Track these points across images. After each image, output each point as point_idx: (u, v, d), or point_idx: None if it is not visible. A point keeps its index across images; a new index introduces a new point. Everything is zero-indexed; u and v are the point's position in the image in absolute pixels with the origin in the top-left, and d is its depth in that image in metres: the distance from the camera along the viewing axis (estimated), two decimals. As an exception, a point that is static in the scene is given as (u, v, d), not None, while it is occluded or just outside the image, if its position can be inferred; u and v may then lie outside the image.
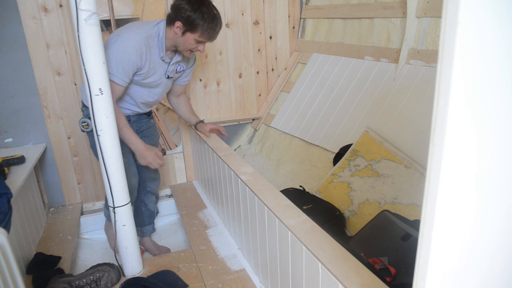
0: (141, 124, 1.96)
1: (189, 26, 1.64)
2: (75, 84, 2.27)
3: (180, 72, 1.91)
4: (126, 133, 1.73)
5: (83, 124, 1.72)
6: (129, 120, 1.89)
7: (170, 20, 1.67)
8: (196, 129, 2.18)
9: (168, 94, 2.09)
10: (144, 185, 2.12)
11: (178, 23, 1.64)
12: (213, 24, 1.65)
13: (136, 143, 1.75)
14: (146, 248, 2.20)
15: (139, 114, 1.94)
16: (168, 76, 1.84)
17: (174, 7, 1.66)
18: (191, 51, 1.75)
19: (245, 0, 2.60)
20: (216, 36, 1.72)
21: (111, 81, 1.60)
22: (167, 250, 2.16)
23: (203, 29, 1.64)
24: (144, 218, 2.17)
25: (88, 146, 2.35)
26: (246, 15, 2.63)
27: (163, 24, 1.71)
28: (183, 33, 1.66)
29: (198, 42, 1.69)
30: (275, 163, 2.59)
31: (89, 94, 1.41)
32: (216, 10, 1.68)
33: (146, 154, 1.76)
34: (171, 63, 1.81)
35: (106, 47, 1.58)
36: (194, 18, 1.61)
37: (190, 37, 1.67)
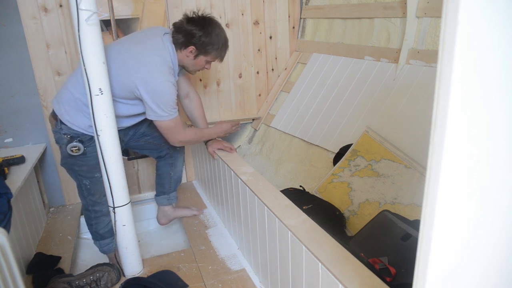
0: (141, 125, 1.94)
1: (203, 50, 1.68)
2: (75, 84, 2.27)
3: None
4: (206, 135, 1.94)
5: (73, 148, 1.63)
6: (134, 135, 1.91)
7: (181, 44, 1.67)
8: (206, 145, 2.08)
9: (180, 98, 2.04)
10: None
11: (191, 48, 1.67)
12: (225, 46, 1.73)
13: (213, 133, 1.94)
14: (171, 217, 2.24)
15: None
16: None
17: (186, 33, 1.65)
18: (199, 70, 1.80)
19: (245, 0, 2.60)
20: (225, 55, 1.79)
21: (174, 119, 1.67)
22: (189, 209, 2.27)
23: (217, 53, 1.71)
24: (171, 184, 2.16)
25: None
26: (246, 15, 2.63)
27: (171, 48, 1.67)
28: (196, 56, 1.70)
29: (208, 62, 1.76)
30: (275, 163, 2.59)
31: (89, 94, 1.41)
32: (223, 30, 1.74)
33: (224, 130, 1.94)
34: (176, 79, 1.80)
35: (150, 96, 1.57)
36: (208, 43, 1.66)
37: (202, 59, 1.72)
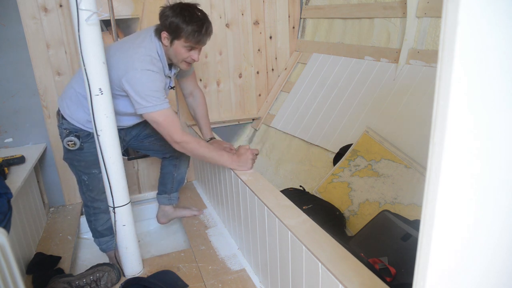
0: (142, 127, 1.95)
1: (174, 33, 1.55)
2: (75, 84, 2.27)
3: (176, 73, 1.83)
4: (214, 157, 1.66)
5: (69, 142, 1.65)
6: (138, 135, 1.90)
7: (158, 32, 1.59)
8: None
9: (184, 97, 2.05)
10: None
11: (164, 33, 1.57)
12: (196, 25, 1.54)
13: (228, 160, 1.67)
14: (171, 217, 2.23)
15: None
16: (170, 87, 1.77)
17: (160, 17, 1.58)
18: (187, 62, 1.65)
19: (245, 0, 2.60)
20: (204, 39, 1.59)
21: (160, 112, 1.54)
22: (188, 209, 2.24)
23: (187, 33, 1.54)
24: (173, 184, 2.16)
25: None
26: (246, 15, 2.63)
27: (158, 42, 1.61)
28: (171, 42, 1.58)
29: (189, 49, 1.60)
30: (275, 163, 2.59)
31: (89, 94, 1.41)
32: (201, 12, 1.59)
33: (244, 162, 1.67)
34: (171, 75, 1.75)
35: (131, 85, 1.51)
36: (177, 22, 1.53)
37: (178, 45, 1.58)
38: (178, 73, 1.91)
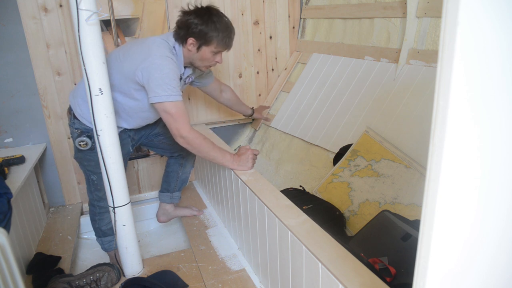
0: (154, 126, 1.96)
1: (203, 40, 1.59)
2: (75, 84, 2.27)
3: (188, 82, 1.84)
4: (217, 155, 1.65)
5: (81, 143, 1.66)
6: (149, 135, 1.94)
7: (181, 38, 1.61)
8: (253, 117, 2.49)
9: (214, 97, 2.19)
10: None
11: (191, 40, 1.59)
12: (227, 32, 1.61)
13: (230, 160, 1.68)
14: (171, 216, 2.25)
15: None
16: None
17: (183, 24, 1.60)
18: (209, 65, 1.70)
19: (245, 0, 2.59)
20: (232, 43, 1.67)
21: (173, 103, 1.52)
22: (189, 208, 2.26)
23: (219, 40, 1.59)
24: (177, 183, 2.18)
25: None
26: (246, 15, 2.63)
27: (173, 41, 1.63)
28: (198, 48, 1.62)
29: (215, 53, 1.65)
30: (275, 163, 2.59)
31: (89, 94, 1.41)
32: (226, 17, 1.65)
33: (245, 162, 1.69)
34: (183, 78, 1.75)
35: (148, 72, 1.50)
36: (207, 31, 1.57)
37: (206, 51, 1.62)
38: (198, 83, 2.00)
